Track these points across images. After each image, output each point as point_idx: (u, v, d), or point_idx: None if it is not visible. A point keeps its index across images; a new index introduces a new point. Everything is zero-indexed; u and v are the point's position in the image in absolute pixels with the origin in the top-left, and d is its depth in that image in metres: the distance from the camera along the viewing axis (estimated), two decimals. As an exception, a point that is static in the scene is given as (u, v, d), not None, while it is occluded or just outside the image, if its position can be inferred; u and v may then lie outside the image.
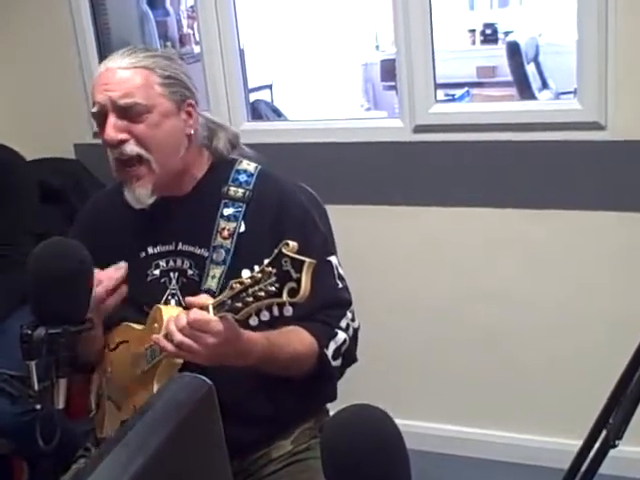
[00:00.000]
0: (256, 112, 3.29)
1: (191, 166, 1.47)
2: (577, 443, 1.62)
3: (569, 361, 2.23)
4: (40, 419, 1.11)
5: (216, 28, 2.41)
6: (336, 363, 1.42)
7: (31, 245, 2.12)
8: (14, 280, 2.14)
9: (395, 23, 2.21)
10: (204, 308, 1.24)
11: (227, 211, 1.44)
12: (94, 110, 1.40)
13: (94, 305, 1.28)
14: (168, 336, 1.28)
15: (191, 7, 3.45)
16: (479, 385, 2.36)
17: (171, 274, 1.46)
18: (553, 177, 2.14)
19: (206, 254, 1.43)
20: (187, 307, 1.29)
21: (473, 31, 5.61)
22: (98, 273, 1.36)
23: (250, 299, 1.15)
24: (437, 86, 2.26)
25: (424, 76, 2.21)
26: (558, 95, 4.46)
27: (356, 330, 1.47)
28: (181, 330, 1.24)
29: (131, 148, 1.38)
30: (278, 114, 3.69)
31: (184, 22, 3.67)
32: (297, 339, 1.38)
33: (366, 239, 2.36)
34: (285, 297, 1.11)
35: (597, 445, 1.47)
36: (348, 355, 1.45)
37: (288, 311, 1.14)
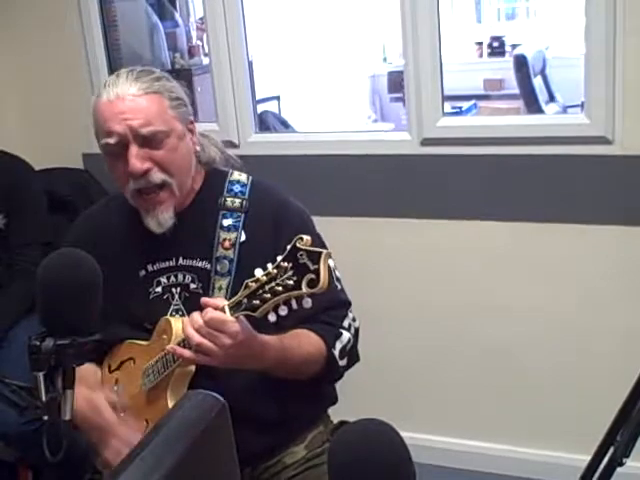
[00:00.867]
0: (264, 123, 3.30)
1: (193, 181, 1.48)
2: (584, 458, 1.61)
3: (575, 375, 2.22)
4: (47, 430, 1.11)
5: (225, 40, 2.43)
6: (343, 362, 1.44)
7: (39, 254, 2.17)
8: (22, 289, 2.16)
9: (403, 35, 2.22)
10: (220, 309, 1.25)
11: (226, 222, 1.44)
12: (111, 141, 1.36)
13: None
14: (183, 342, 1.29)
15: (200, 19, 3.47)
16: (483, 398, 2.35)
17: (173, 289, 1.46)
18: (560, 191, 2.14)
19: (208, 266, 1.43)
20: (201, 309, 1.30)
21: (480, 44, 5.62)
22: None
23: (268, 295, 1.17)
24: (444, 98, 2.27)
25: (432, 90, 2.21)
26: (565, 108, 4.46)
27: (357, 330, 1.50)
28: (198, 330, 1.25)
29: (156, 176, 1.38)
30: (286, 125, 3.70)
31: (193, 34, 3.69)
32: (306, 341, 1.40)
33: (372, 252, 2.36)
34: (305, 289, 1.13)
35: (604, 462, 1.46)
36: (353, 354, 1.47)
37: (308, 303, 1.16)
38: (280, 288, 1.15)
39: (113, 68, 2.69)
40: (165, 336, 1.36)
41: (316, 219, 1.55)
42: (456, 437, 2.41)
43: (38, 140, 2.72)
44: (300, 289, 1.13)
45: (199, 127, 1.52)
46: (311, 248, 1.14)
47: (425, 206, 2.29)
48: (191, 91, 1.55)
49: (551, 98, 4.71)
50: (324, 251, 1.13)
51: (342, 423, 1.40)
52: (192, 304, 1.40)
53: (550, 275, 2.21)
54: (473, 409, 2.37)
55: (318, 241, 1.48)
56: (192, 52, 3.57)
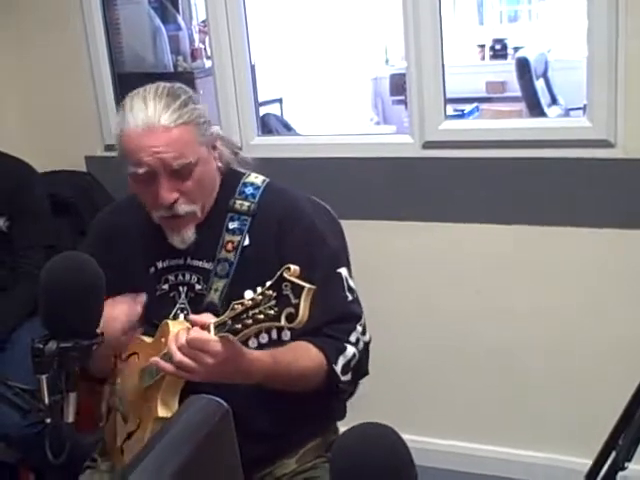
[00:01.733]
0: (266, 126, 3.30)
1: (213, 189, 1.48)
2: (586, 462, 1.61)
3: (577, 378, 2.22)
4: (49, 433, 1.11)
5: (227, 42, 2.43)
6: (346, 378, 1.40)
7: (42, 257, 2.17)
8: (25, 292, 2.16)
9: (405, 38, 2.22)
10: (206, 327, 1.24)
11: (232, 224, 1.44)
12: (140, 171, 1.35)
13: (108, 342, 1.25)
14: (166, 355, 1.29)
15: (203, 22, 3.47)
16: (485, 401, 2.35)
17: (180, 288, 1.46)
18: (562, 194, 2.14)
19: (211, 267, 1.43)
20: (204, 311, 1.30)
21: (483, 46, 5.62)
22: (112, 306, 1.34)
23: (249, 321, 1.15)
24: (446, 101, 2.27)
25: (434, 92, 2.21)
26: (567, 111, 4.46)
27: (367, 344, 1.46)
28: (180, 348, 1.24)
29: (182, 208, 1.39)
30: (288, 128, 3.70)
31: (196, 37, 3.69)
32: (305, 355, 1.37)
33: (374, 255, 2.36)
34: (283, 322, 1.11)
35: (606, 466, 1.46)
36: (358, 369, 1.44)
37: (286, 335, 1.14)
38: (262, 316, 1.13)
39: (116, 71, 2.70)
40: (163, 339, 1.37)
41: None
42: (459, 440, 2.41)
43: (41, 143, 2.73)
44: (279, 321, 1.11)
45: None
46: (296, 280, 1.11)
47: (427, 209, 2.29)
48: (194, 94, 1.55)
49: (553, 101, 4.71)
50: (307, 286, 1.10)
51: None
52: (196, 304, 1.40)
53: (554, 278, 2.21)
54: (476, 412, 2.37)
55: (329, 253, 1.45)
56: (194, 55, 3.57)
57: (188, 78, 3.14)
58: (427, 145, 2.26)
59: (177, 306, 1.46)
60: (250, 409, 1.38)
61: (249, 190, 1.47)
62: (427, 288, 2.35)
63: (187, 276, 1.46)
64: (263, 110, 3.24)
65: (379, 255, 2.37)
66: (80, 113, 2.69)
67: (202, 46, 3.60)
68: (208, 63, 3.26)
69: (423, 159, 2.28)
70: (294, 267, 1.12)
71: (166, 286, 1.47)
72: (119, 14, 2.78)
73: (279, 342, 1.17)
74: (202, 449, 0.73)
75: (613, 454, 1.44)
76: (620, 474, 1.39)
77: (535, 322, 2.24)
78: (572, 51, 4.64)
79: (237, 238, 1.43)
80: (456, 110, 4.29)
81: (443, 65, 2.20)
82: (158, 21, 3.22)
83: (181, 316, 1.45)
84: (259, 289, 1.15)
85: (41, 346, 1.10)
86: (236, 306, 1.18)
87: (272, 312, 1.12)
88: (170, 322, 1.38)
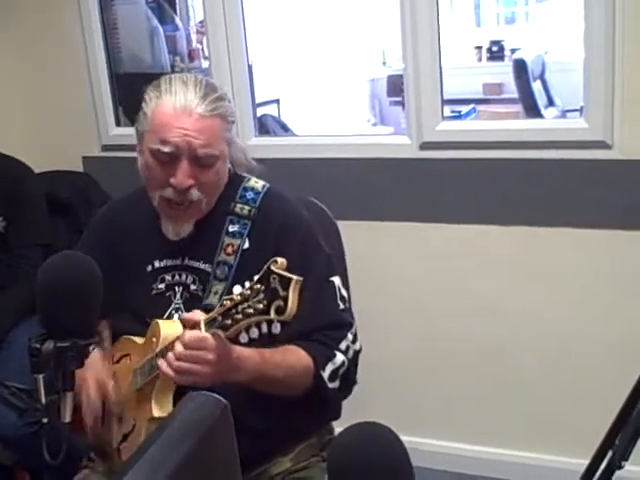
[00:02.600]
0: (263, 127, 3.30)
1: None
2: (582, 462, 1.61)
3: (573, 378, 2.22)
4: (46, 433, 1.11)
5: (225, 43, 2.43)
6: (333, 385, 1.40)
7: (39, 257, 2.17)
8: (22, 291, 2.16)
9: (403, 39, 2.22)
10: (197, 324, 1.25)
11: (232, 228, 1.45)
12: (165, 149, 1.35)
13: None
14: (166, 349, 1.29)
15: (200, 22, 3.47)
16: (480, 402, 2.35)
17: (176, 288, 1.47)
18: (559, 195, 2.15)
19: (210, 269, 1.44)
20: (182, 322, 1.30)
21: (480, 48, 5.63)
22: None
23: (239, 316, 1.16)
24: (444, 102, 2.27)
25: (431, 93, 2.22)
26: (564, 112, 4.47)
27: (357, 352, 1.46)
28: (179, 358, 1.25)
29: (195, 194, 1.39)
30: (285, 129, 3.70)
31: (193, 37, 3.68)
32: (293, 358, 1.38)
33: (371, 256, 2.36)
34: (272, 315, 1.11)
35: (603, 466, 1.46)
36: (346, 378, 1.44)
37: (276, 328, 1.14)
38: (251, 310, 1.14)
39: (113, 72, 2.70)
40: (154, 339, 1.36)
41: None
42: (453, 441, 2.41)
43: (38, 143, 2.73)
44: (269, 314, 1.12)
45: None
46: (283, 272, 1.12)
47: (424, 210, 2.30)
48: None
49: (550, 102, 4.72)
50: (294, 277, 1.10)
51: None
52: (191, 305, 1.40)
53: (549, 279, 2.21)
54: (470, 413, 2.37)
55: (324, 260, 1.46)
56: (192, 55, 3.56)
57: (185, 79, 3.13)
58: (424, 146, 2.27)
59: (172, 306, 1.46)
60: (244, 407, 1.37)
61: (250, 195, 1.49)
62: (424, 288, 2.35)
63: (183, 276, 1.47)
64: (260, 111, 3.24)
65: (375, 255, 2.37)
66: (77, 113, 2.69)
67: (199, 46, 3.60)
68: (205, 64, 3.27)
69: (420, 160, 2.28)
70: (281, 260, 1.13)
71: (162, 285, 1.47)
72: (116, 14, 2.78)
73: (270, 336, 1.17)
74: (202, 445, 0.73)
75: (610, 453, 1.44)
76: (617, 474, 1.39)
77: (531, 323, 2.24)
78: (569, 53, 4.65)
79: (237, 241, 1.43)
80: (453, 111, 4.30)
81: (440, 66, 2.20)
82: (156, 21, 3.21)
83: (175, 316, 1.44)
84: (247, 284, 1.16)
85: (38, 345, 1.10)
86: (225, 302, 1.19)
87: (261, 306, 1.12)
88: (160, 322, 1.38)
